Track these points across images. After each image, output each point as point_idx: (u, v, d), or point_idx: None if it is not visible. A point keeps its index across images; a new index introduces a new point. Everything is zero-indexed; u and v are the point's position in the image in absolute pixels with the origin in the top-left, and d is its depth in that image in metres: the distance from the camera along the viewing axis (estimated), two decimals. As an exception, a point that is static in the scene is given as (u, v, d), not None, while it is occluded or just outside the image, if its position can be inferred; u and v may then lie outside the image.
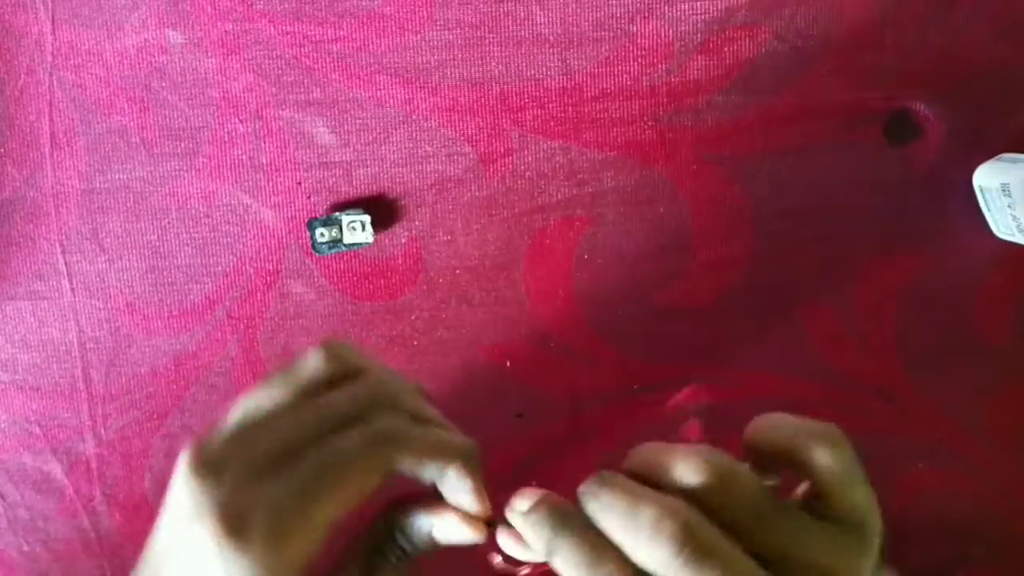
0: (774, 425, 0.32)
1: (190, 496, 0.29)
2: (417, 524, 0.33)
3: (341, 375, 0.33)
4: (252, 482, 0.29)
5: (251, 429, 0.31)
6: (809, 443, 0.31)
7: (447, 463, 0.31)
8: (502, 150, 0.49)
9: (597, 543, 0.29)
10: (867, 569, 0.30)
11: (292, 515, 0.29)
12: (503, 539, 0.32)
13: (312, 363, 0.33)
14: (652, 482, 0.30)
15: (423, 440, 0.32)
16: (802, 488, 0.32)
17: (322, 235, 0.48)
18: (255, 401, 0.32)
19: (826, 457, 0.30)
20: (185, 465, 0.30)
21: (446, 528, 0.32)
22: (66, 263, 0.50)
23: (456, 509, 0.32)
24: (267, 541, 0.28)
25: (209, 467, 0.29)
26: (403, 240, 0.50)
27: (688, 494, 0.29)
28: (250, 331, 0.50)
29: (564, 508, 0.30)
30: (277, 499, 0.29)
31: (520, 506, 0.31)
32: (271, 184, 0.50)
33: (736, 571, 0.28)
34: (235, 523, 0.28)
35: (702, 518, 0.28)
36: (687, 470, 0.29)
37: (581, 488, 0.31)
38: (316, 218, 0.49)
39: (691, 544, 0.27)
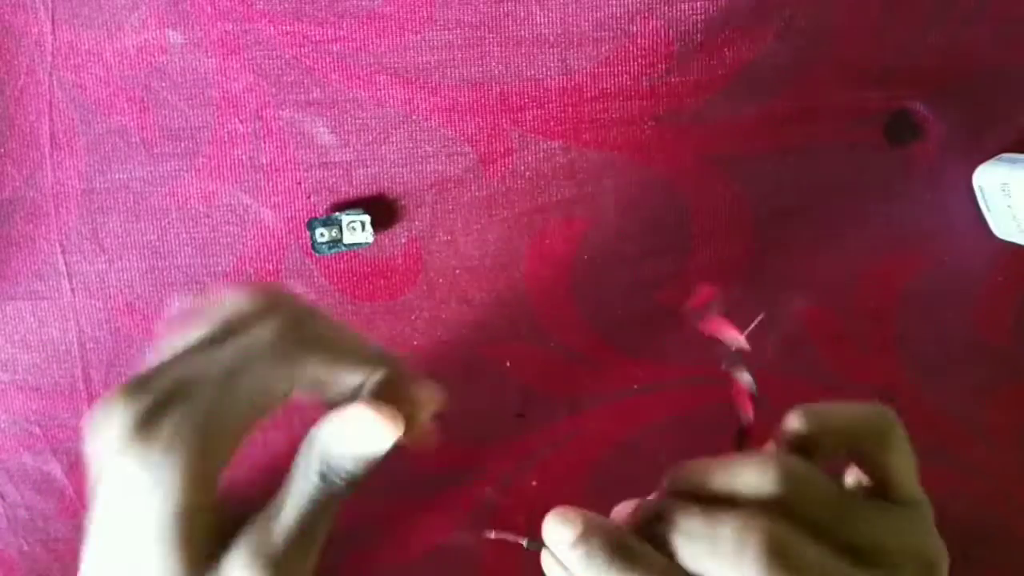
0: (825, 417, 0.30)
1: (107, 417, 0.27)
2: (332, 438, 0.28)
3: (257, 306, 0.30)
4: (158, 401, 0.27)
5: (163, 365, 0.28)
6: (876, 436, 0.30)
7: (369, 370, 0.28)
8: (502, 150, 0.49)
9: (670, 570, 0.27)
10: (942, 546, 0.29)
11: (200, 431, 0.26)
12: (549, 565, 0.30)
13: (228, 301, 0.30)
14: (719, 499, 0.28)
15: (340, 343, 0.29)
16: (853, 474, 0.31)
17: (322, 235, 0.48)
18: (170, 342, 0.29)
19: (897, 450, 0.30)
20: (108, 396, 0.27)
21: (358, 431, 0.28)
22: (66, 263, 0.50)
23: (367, 401, 0.28)
24: (177, 441, 0.26)
25: (126, 390, 0.27)
26: (403, 240, 0.50)
27: (764, 504, 0.27)
28: (250, 331, 0.50)
29: (618, 537, 0.28)
30: (182, 415, 0.26)
31: (563, 535, 0.28)
32: (271, 184, 0.50)
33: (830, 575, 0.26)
34: (144, 427, 0.26)
35: (786, 526, 0.26)
36: (758, 479, 0.27)
37: (645, 506, 0.28)
38: (316, 218, 0.49)
39: (780, 556, 0.26)
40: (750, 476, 0.28)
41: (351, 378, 0.29)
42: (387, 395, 0.28)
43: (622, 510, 0.30)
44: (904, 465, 0.30)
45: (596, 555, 0.27)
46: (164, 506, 0.26)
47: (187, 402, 0.27)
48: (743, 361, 0.31)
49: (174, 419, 0.27)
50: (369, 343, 0.30)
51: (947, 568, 0.29)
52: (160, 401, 0.27)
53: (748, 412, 0.32)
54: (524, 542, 0.32)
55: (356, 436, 0.28)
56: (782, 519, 0.27)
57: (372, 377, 0.29)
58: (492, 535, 0.34)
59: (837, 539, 0.27)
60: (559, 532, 0.28)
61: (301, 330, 0.29)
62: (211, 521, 0.27)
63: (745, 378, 0.32)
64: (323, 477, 0.28)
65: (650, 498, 0.30)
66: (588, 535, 0.28)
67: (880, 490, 0.30)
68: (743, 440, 0.32)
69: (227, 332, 0.29)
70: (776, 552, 0.26)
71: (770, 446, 0.30)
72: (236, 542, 0.27)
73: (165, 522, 0.27)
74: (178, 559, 0.27)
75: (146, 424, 0.26)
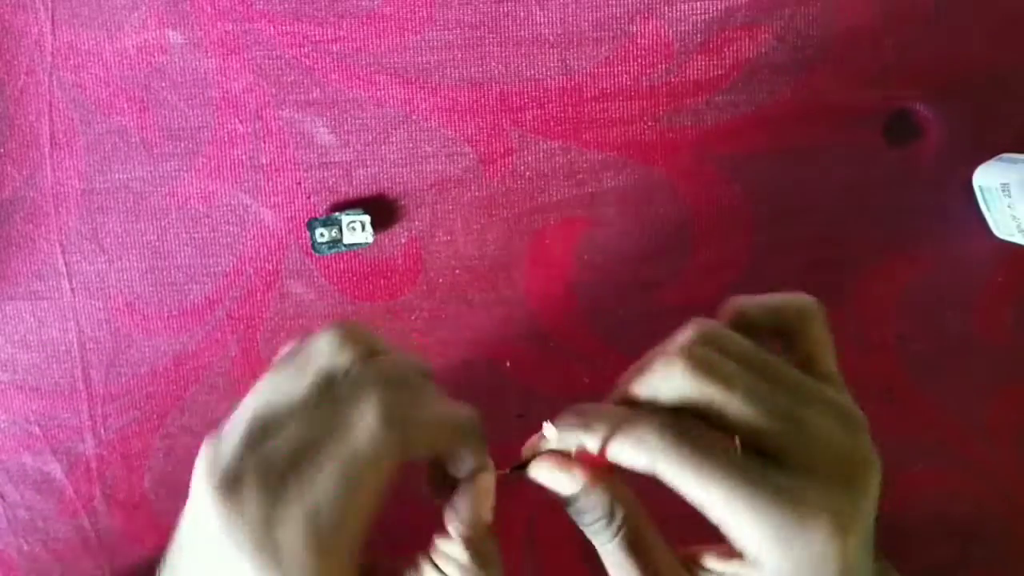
0: (756, 299, 0.33)
1: (217, 518, 0.28)
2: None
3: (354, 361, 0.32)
4: (276, 495, 0.28)
5: (266, 430, 0.30)
6: (799, 313, 0.33)
7: (457, 445, 0.32)
8: (502, 150, 0.49)
9: (627, 407, 0.31)
10: (870, 445, 0.31)
11: (324, 531, 0.28)
12: (542, 469, 0.33)
13: (324, 349, 0.32)
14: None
15: (432, 424, 0.31)
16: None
17: (322, 235, 0.48)
18: (267, 395, 0.31)
19: (817, 325, 0.33)
20: (204, 480, 0.28)
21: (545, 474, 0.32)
22: (66, 263, 0.50)
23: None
24: (305, 565, 0.27)
25: (229, 480, 0.28)
26: (403, 240, 0.50)
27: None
28: (250, 331, 0.50)
29: (583, 408, 0.32)
30: (306, 516, 0.28)
31: (548, 431, 0.32)
32: (271, 184, 0.50)
33: (753, 385, 0.29)
34: (271, 553, 0.27)
35: (705, 347, 0.30)
36: (680, 338, 0.31)
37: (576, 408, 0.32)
38: (316, 218, 0.49)
39: (702, 363, 0.30)
40: (673, 342, 0.32)
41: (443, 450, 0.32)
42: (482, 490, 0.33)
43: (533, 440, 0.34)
44: (822, 341, 0.33)
45: (569, 416, 0.33)
46: None
47: (302, 500, 0.28)
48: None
49: (296, 526, 0.28)
50: (454, 406, 0.33)
51: (866, 432, 0.31)
52: (277, 494, 0.28)
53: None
54: (508, 471, 0.34)
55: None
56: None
57: (464, 452, 0.32)
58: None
59: (761, 370, 0.30)
60: (549, 426, 0.32)
61: (401, 407, 0.31)
62: None
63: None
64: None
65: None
66: (569, 417, 0.33)
67: (802, 366, 0.32)
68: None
69: (326, 388, 0.31)
70: (699, 358, 0.30)
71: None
72: None
73: None
74: None
75: (273, 545, 0.27)
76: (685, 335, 0.31)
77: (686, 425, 0.30)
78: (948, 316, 0.50)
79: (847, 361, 0.50)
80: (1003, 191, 0.46)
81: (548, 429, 0.32)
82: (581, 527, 0.32)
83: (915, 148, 0.49)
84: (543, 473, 0.32)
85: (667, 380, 0.30)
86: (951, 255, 0.50)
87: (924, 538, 0.51)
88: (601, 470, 0.31)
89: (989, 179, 0.47)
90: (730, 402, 0.29)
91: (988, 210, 0.48)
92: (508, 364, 0.51)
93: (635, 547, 0.31)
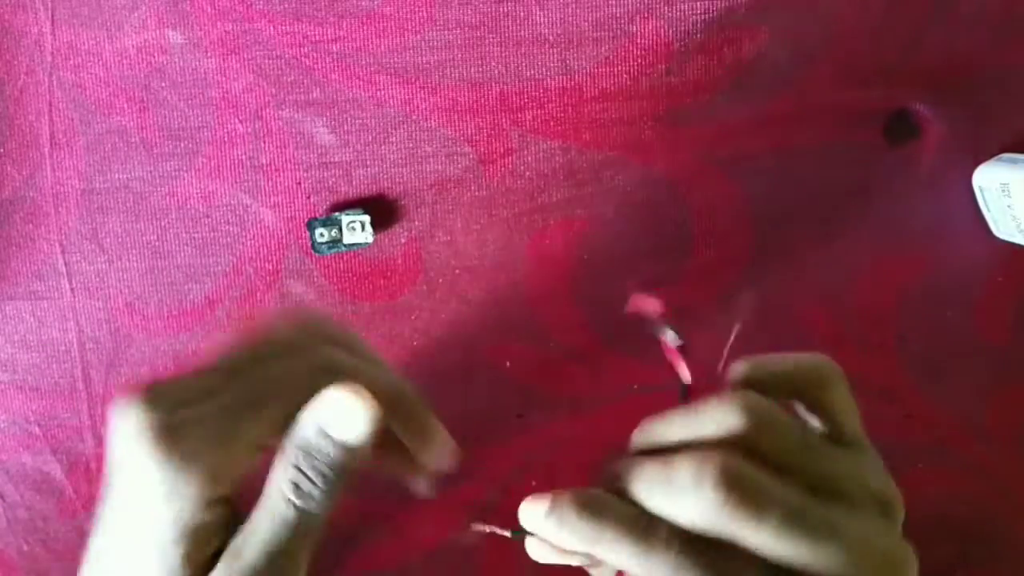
0: (767, 365, 0.30)
1: (127, 420, 0.27)
2: (311, 427, 0.29)
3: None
4: (188, 405, 0.28)
5: (193, 371, 0.30)
6: (818, 379, 0.30)
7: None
8: (502, 150, 0.49)
9: (640, 518, 0.27)
10: (897, 489, 0.29)
11: (221, 431, 0.27)
12: (533, 548, 0.30)
13: (277, 332, 0.31)
14: (687, 444, 0.28)
15: (366, 376, 0.29)
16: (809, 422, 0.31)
17: (322, 235, 0.48)
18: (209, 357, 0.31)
19: (840, 392, 0.30)
20: (127, 398, 0.28)
21: (341, 409, 0.28)
22: (66, 263, 0.50)
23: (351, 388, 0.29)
24: (195, 453, 0.27)
25: (148, 395, 0.28)
26: (403, 240, 0.50)
27: (729, 443, 0.27)
28: (250, 331, 0.50)
29: (589, 495, 0.28)
30: (207, 415, 0.28)
31: (536, 510, 0.29)
32: (271, 184, 0.50)
33: (791, 506, 0.26)
34: (166, 437, 0.27)
35: (742, 460, 0.26)
36: (721, 416, 0.27)
37: (606, 467, 0.29)
38: (316, 218, 0.49)
39: (737, 488, 0.26)
40: (713, 415, 0.28)
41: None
42: (394, 409, 0.30)
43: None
44: (848, 407, 0.30)
45: (567, 515, 0.28)
46: (174, 518, 0.27)
47: (213, 417, 0.28)
48: (666, 322, 0.31)
49: (198, 432, 0.27)
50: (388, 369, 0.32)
51: (903, 514, 0.30)
52: (185, 409, 0.28)
53: (684, 371, 0.32)
54: (509, 533, 0.32)
55: (335, 417, 0.28)
56: (741, 451, 0.27)
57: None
58: (481, 528, 0.35)
59: (800, 474, 0.27)
60: (532, 509, 0.29)
61: (334, 359, 0.30)
62: (213, 539, 0.28)
63: (670, 336, 0.32)
64: (296, 488, 0.28)
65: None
66: (557, 502, 0.28)
67: (830, 434, 0.30)
68: (688, 399, 0.32)
69: (258, 357, 0.30)
70: (734, 481, 0.26)
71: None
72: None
73: (171, 535, 0.27)
74: (175, 573, 0.27)
75: (170, 431, 0.27)
76: (729, 425, 0.27)
77: (706, 558, 0.27)
78: (948, 316, 0.50)
79: (847, 361, 0.51)
80: (1003, 191, 0.46)
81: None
82: None
83: (915, 148, 0.49)
84: (538, 554, 0.31)
85: (694, 505, 0.26)
86: (951, 255, 0.50)
87: (924, 538, 0.51)
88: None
89: (989, 179, 0.47)
90: (761, 532, 0.26)
91: (988, 210, 0.48)
92: (508, 364, 0.51)
93: None
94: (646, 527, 0.27)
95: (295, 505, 0.27)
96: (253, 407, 0.28)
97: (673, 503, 0.27)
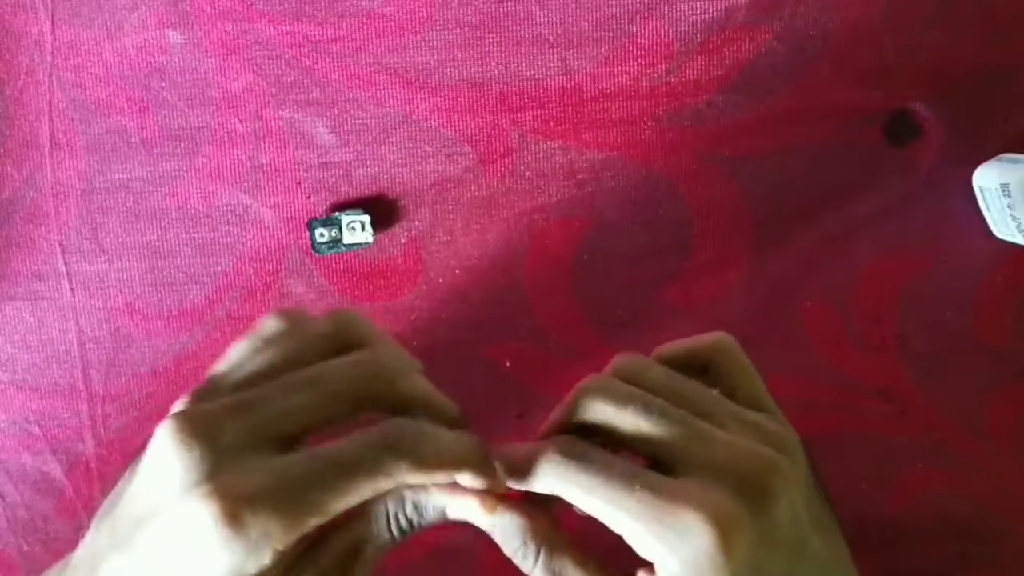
0: (675, 344, 0.36)
1: (183, 464, 0.27)
2: (431, 501, 0.32)
3: (346, 344, 0.33)
4: (252, 458, 0.28)
5: (249, 390, 0.30)
6: (712, 348, 0.35)
7: (456, 472, 0.31)
8: (502, 150, 0.49)
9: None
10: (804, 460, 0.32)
11: (297, 506, 0.27)
12: (455, 504, 0.33)
13: (317, 325, 0.33)
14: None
15: (433, 452, 0.30)
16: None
17: (322, 235, 0.48)
18: (251, 353, 0.32)
19: (732, 356, 0.35)
20: (175, 426, 0.28)
21: (461, 508, 0.32)
22: (66, 263, 0.50)
23: (474, 492, 0.32)
24: (268, 531, 0.27)
25: (203, 431, 0.28)
26: (403, 240, 0.50)
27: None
28: (250, 331, 0.50)
29: (496, 448, 0.33)
30: (282, 487, 0.27)
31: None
32: (271, 184, 0.50)
33: (646, 399, 0.32)
34: (236, 506, 0.27)
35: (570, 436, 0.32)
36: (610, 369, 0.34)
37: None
38: (316, 218, 0.49)
39: (594, 387, 0.33)
40: (572, 393, 0.34)
41: (442, 478, 0.31)
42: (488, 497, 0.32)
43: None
44: (741, 370, 0.35)
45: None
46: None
47: (286, 489, 0.28)
48: None
49: (266, 514, 0.27)
50: (451, 414, 0.34)
51: (800, 453, 0.32)
52: (255, 461, 0.28)
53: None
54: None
55: (461, 513, 0.32)
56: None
57: (466, 478, 0.31)
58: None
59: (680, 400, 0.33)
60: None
61: (399, 435, 0.30)
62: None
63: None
64: (399, 525, 0.32)
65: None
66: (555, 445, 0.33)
67: (729, 396, 0.34)
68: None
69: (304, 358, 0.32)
70: (604, 381, 0.33)
71: None
72: None
73: None
74: None
75: (240, 500, 0.27)
76: (604, 371, 0.34)
77: (579, 448, 0.31)
78: (948, 316, 0.50)
79: (847, 361, 0.51)
80: (1003, 191, 0.46)
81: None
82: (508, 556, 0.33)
83: (915, 148, 0.49)
84: (456, 508, 0.32)
85: (569, 408, 0.33)
86: (951, 255, 0.50)
87: (924, 538, 0.51)
88: (511, 500, 0.32)
89: (989, 179, 0.47)
90: (623, 419, 0.31)
91: (988, 210, 0.48)
92: (508, 364, 0.51)
93: (557, 573, 0.32)
94: (539, 443, 0.32)
95: (394, 535, 0.32)
96: (333, 489, 0.28)
97: (558, 415, 0.34)
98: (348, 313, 0.34)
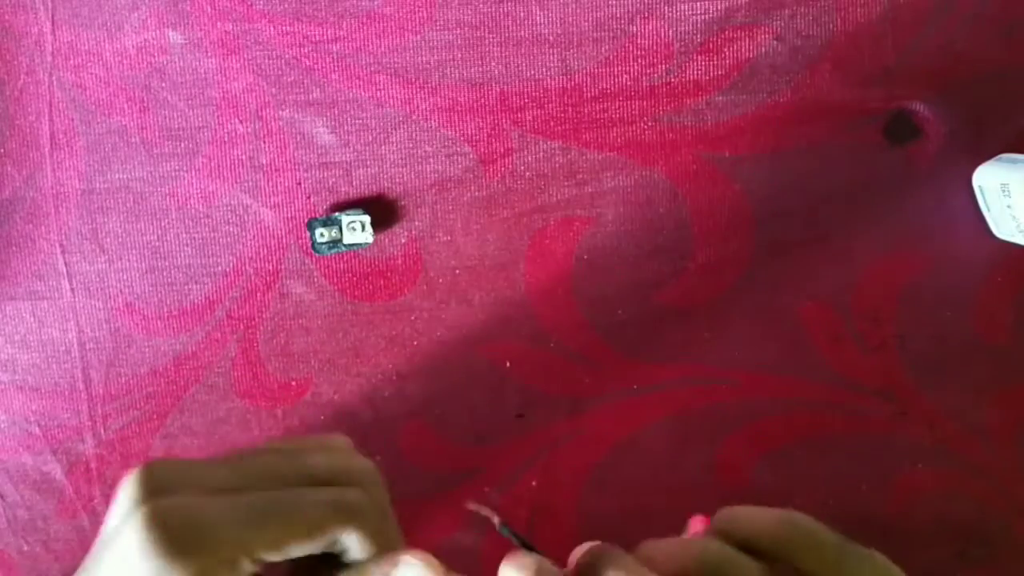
0: (752, 519, 0.31)
1: (129, 500, 0.28)
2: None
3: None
4: (199, 496, 0.28)
5: (214, 463, 0.30)
6: (800, 545, 0.31)
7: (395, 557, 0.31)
8: (502, 150, 0.49)
9: None
10: None
11: (225, 531, 0.27)
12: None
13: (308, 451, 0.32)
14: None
15: (382, 530, 0.31)
16: None
17: (322, 235, 0.48)
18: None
19: (818, 559, 0.31)
20: (131, 479, 0.28)
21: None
22: (66, 263, 0.50)
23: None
24: (188, 553, 0.27)
25: (158, 482, 0.28)
26: (403, 240, 0.50)
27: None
28: (250, 331, 0.50)
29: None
30: (217, 513, 0.27)
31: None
32: (271, 184, 0.50)
33: None
34: (164, 528, 0.27)
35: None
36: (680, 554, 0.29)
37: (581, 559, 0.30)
38: (316, 218, 0.49)
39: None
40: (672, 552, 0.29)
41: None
42: None
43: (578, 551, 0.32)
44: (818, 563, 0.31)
45: None
46: None
47: (221, 517, 0.27)
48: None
49: (200, 530, 0.27)
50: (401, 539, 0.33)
51: None
52: (196, 497, 0.28)
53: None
54: (496, 522, 0.33)
55: None
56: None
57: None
58: (472, 506, 0.36)
59: None
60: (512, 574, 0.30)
61: (359, 502, 0.30)
62: None
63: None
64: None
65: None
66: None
67: None
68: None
69: (284, 470, 0.31)
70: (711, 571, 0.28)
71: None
72: None
73: None
74: None
75: (172, 520, 0.27)
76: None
77: None
78: (948, 316, 0.50)
79: (847, 361, 0.51)
80: (1003, 191, 0.46)
81: None
82: None
83: (915, 148, 0.49)
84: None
85: None
86: (951, 255, 0.50)
87: (924, 538, 0.51)
88: None
89: (989, 179, 0.47)
90: None
91: (988, 210, 0.48)
92: (508, 364, 0.51)
93: None
94: None
95: None
96: (272, 521, 0.28)
97: None
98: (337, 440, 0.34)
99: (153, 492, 0.28)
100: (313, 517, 0.29)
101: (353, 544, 0.30)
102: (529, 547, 0.32)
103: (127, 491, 0.28)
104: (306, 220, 0.49)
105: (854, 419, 0.50)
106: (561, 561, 0.31)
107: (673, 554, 0.29)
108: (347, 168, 0.49)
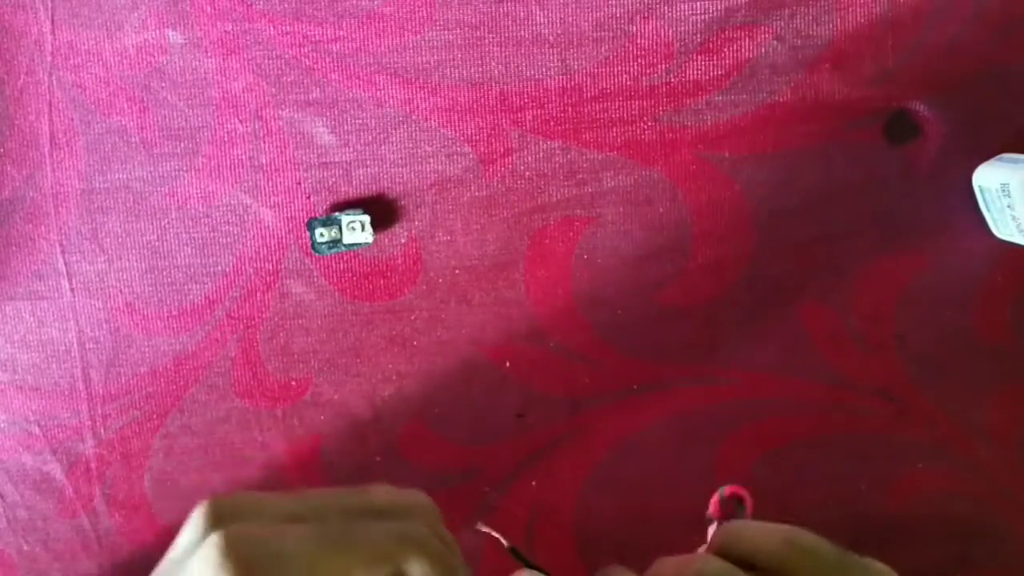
0: (754, 537, 0.32)
1: (201, 525, 0.28)
2: None
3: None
4: (266, 526, 0.28)
5: (280, 495, 0.31)
6: (800, 564, 0.31)
7: None
8: (502, 150, 0.49)
9: None
10: None
11: (297, 558, 0.28)
12: None
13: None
14: None
15: (447, 560, 0.31)
16: None
17: (322, 235, 0.48)
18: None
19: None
20: (203, 506, 0.29)
21: None
22: (66, 263, 0.50)
23: None
24: (262, 573, 0.27)
25: (230, 509, 0.29)
26: (403, 240, 0.50)
27: None
28: (250, 331, 0.50)
29: None
30: (288, 540, 0.28)
31: None
32: (271, 184, 0.50)
33: None
34: (237, 552, 0.27)
35: None
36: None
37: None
38: (316, 218, 0.49)
39: None
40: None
41: None
42: None
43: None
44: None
45: None
46: None
47: (295, 550, 0.28)
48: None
49: (276, 564, 0.27)
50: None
51: None
52: (266, 528, 0.28)
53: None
54: (506, 543, 0.34)
55: None
56: None
57: None
58: (481, 528, 0.36)
59: None
60: None
61: (419, 532, 0.31)
62: None
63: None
64: None
65: None
66: None
67: None
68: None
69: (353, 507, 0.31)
70: None
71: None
72: None
73: None
74: None
75: (250, 555, 0.27)
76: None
77: None
78: (948, 316, 0.50)
79: (847, 361, 0.51)
80: (1003, 191, 0.46)
81: None
82: None
83: (915, 148, 0.49)
84: None
85: None
86: (951, 255, 0.50)
87: (924, 538, 0.51)
88: None
89: (989, 179, 0.47)
90: None
91: (988, 210, 0.48)
92: (508, 364, 0.51)
93: None
94: None
95: None
96: (339, 551, 0.28)
97: None
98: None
99: (225, 519, 0.28)
100: (381, 546, 0.29)
101: (417, 573, 0.31)
102: (539, 569, 0.32)
103: (199, 517, 0.29)
104: (306, 220, 0.49)
105: (854, 419, 0.50)
106: None
107: (675, 571, 0.30)
108: (347, 168, 0.49)
